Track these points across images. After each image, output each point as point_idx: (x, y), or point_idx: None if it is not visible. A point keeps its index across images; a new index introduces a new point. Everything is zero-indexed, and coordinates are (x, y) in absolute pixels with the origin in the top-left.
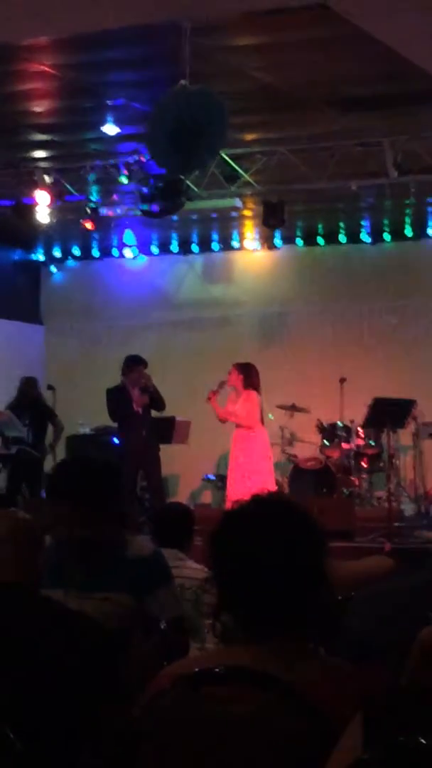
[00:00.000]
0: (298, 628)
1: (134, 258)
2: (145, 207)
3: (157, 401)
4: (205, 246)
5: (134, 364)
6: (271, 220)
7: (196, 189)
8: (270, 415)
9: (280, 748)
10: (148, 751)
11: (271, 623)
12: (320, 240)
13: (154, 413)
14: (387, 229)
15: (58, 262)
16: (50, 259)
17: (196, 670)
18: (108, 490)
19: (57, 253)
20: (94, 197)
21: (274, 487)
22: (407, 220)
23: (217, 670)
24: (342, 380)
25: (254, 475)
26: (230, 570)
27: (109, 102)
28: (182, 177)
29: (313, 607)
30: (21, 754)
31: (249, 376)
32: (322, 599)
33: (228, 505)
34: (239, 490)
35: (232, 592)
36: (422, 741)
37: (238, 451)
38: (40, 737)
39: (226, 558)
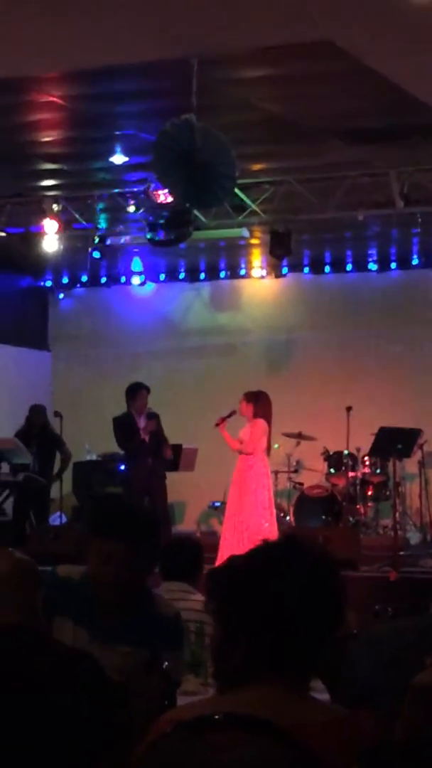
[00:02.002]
0: (299, 672)
1: (142, 285)
2: (152, 236)
3: (161, 445)
4: (212, 273)
5: (138, 390)
6: (278, 250)
7: (203, 219)
8: (275, 445)
9: None
10: None
11: (272, 668)
12: (327, 268)
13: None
14: (393, 258)
15: (66, 288)
16: (58, 285)
17: (196, 716)
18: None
19: (65, 279)
20: (101, 225)
21: (271, 516)
22: (414, 249)
23: (216, 716)
24: (348, 408)
25: (248, 501)
26: (233, 612)
27: (117, 132)
28: (193, 208)
29: (316, 651)
30: None
31: (259, 405)
32: (327, 640)
33: (223, 534)
34: (230, 521)
35: (233, 635)
36: None
37: (236, 480)
38: None
39: (227, 600)
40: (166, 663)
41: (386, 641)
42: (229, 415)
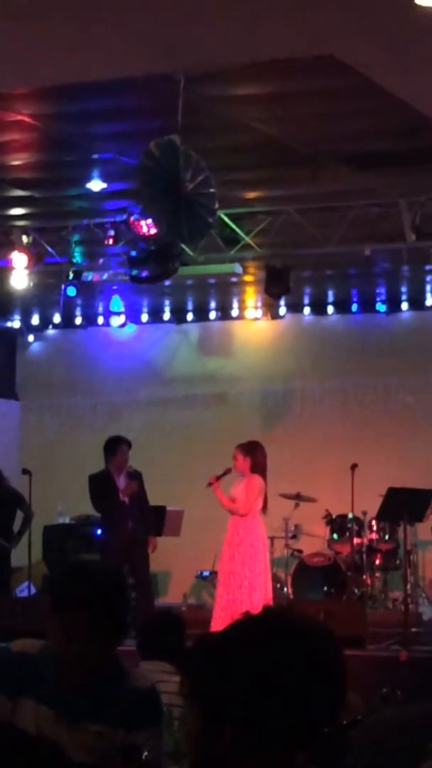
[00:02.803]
0: (296, 759)
1: (122, 327)
2: (134, 272)
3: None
4: (201, 314)
5: (117, 445)
6: (275, 288)
7: (191, 253)
8: None
9: None
10: None
11: (266, 754)
12: (330, 309)
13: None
14: (404, 297)
15: (37, 330)
16: (27, 327)
17: None
18: (121, 605)
19: (35, 320)
20: (77, 260)
21: (267, 586)
22: (427, 288)
23: None
24: (353, 467)
25: (251, 569)
26: (211, 697)
27: (94, 156)
28: (178, 242)
29: (313, 740)
30: None
31: (256, 458)
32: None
33: (216, 605)
34: (228, 588)
35: (213, 724)
36: None
37: (231, 542)
38: None
39: (204, 683)
40: (146, 753)
41: (390, 730)
42: (224, 474)
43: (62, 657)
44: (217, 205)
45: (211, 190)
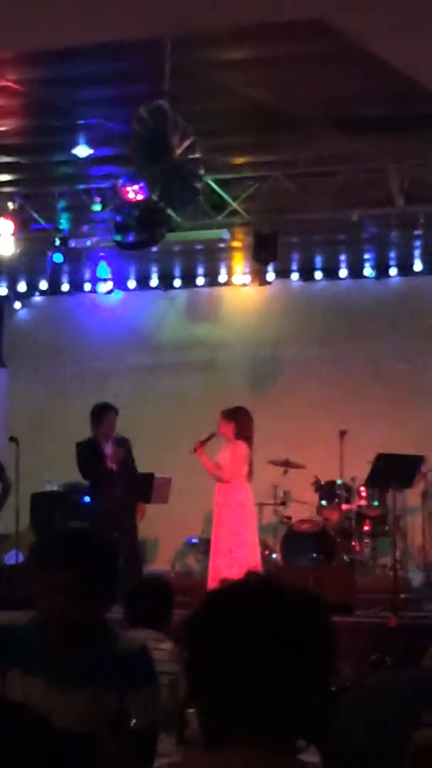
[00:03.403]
0: (285, 730)
1: (109, 293)
2: (120, 238)
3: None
4: (188, 280)
5: (103, 412)
6: (263, 254)
7: (178, 219)
8: None
9: None
10: None
11: (254, 726)
12: (318, 275)
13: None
14: (393, 263)
15: (24, 297)
16: (14, 294)
17: None
18: (110, 567)
19: (22, 287)
20: (63, 226)
21: (256, 553)
22: (416, 253)
23: None
24: (342, 433)
25: (237, 540)
26: (210, 661)
27: (81, 121)
28: (168, 208)
29: (303, 707)
30: None
31: (240, 424)
32: (314, 696)
33: (210, 575)
34: (219, 556)
35: (206, 691)
36: None
37: (219, 510)
38: None
39: (205, 646)
40: (134, 721)
41: (380, 697)
42: (208, 439)
43: (48, 614)
44: (203, 171)
45: (198, 155)
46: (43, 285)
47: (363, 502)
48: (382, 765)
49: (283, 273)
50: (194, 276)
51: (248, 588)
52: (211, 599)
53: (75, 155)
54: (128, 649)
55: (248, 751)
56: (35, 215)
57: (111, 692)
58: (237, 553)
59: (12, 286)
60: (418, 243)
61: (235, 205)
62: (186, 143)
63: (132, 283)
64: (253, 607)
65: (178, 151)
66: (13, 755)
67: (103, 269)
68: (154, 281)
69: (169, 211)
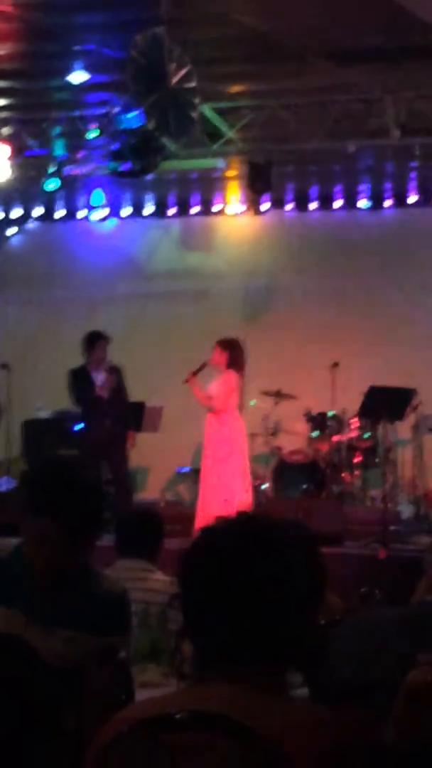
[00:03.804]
0: (274, 665)
1: (103, 220)
2: (116, 166)
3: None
4: (183, 209)
5: (95, 340)
6: (258, 184)
7: (173, 147)
8: (252, 402)
9: None
10: None
11: (244, 660)
12: (313, 205)
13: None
14: (388, 194)
15: (17, 223)
16: (7, 220)
17: (155, 714)
18: (95, 513)
19: (16, 213)
20: (58, 152)
21: (247, 483)
22: (411, 185)
23: (177, 715)
24: (334, 365)
25: (224, 468)
26: (201, 597)
27: (76, 47)
28: (164, 136)
29: (293, 641)
30: None
31: (233, 354)
32: (305, 628)
33: (199, 505)
34: (208, 486)
35: (201, 623)
36: None
37: (208, 440)
38: None
39: (196, 583)
40: (122, 653)
41: (369, 633)
42: (200, 369)
43: (33, 562)
44: (199, 101)
45: (193, 84)
46: (37, 211)
47: (354, 434)
48: (368, 701)
49: (277, 203)
50: (188, 205)
51: (238, 525)
52: (203, 536)
53: (70, 81)
54: (108, 594)
55: (233, 687)
56: (30, 141)
57: (89, 633)
58: (227, 483)
59: (6, 213)
60: (413, 175)
61: (230, 134)
62: (182, 72)
63: (126, 211)
64: (242, 543)
65: (174, 80)
66: (5, 688)
67: (98, 196)
68: (148, 209)
69: (165, 140)
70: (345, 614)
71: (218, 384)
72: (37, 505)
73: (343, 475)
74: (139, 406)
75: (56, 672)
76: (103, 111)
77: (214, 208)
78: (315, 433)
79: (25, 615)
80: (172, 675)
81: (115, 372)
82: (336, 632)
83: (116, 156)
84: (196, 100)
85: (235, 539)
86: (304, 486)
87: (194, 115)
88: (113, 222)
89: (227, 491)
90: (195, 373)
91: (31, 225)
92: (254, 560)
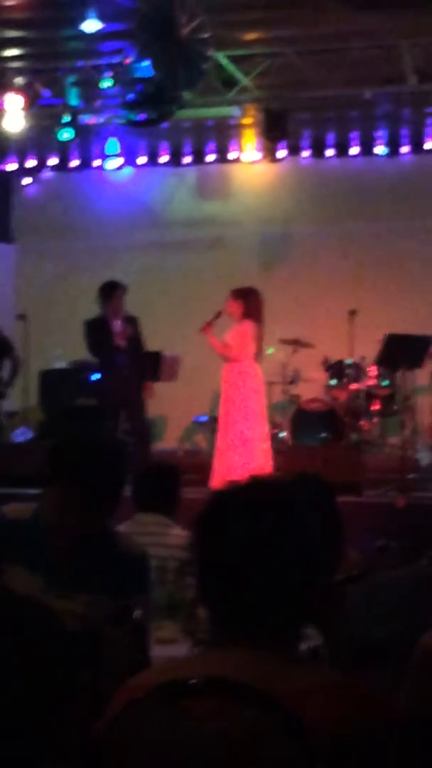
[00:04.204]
0: (290, 630)
1: (118, 169)
2: (130, 116)
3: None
4: (198, 157)
5: (112, 290)
6: (274, 132)
7: (189, 96)
8: (270, 350)
9: None
10: None
11: (259, 625)
12: (329, 152)
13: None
14: (405, 140)
15: (32, 173)
16: (23, 170)
17: (169, 680)
18: (118, 479)
19: (31, 163)
20: (73, 102)
21: (265, 432)
22: (428, 131)
23: (193, 681)
24: (352, 312)
25: (242, 417)
26: (214, 562)
27: None
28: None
29: (309, 603)
30: None
31: (249, 303)
32: (321, 588)
33: (216, 455)
34: (227, 435)
35: (215, 588)
36: None
37: (226, 390)
38: None
39: (209, 548)
40: (138, 612)
41: (383, 594)
42: (216, 317)
43: (55, 530)
44: (211, 52)
45: (206, 35)
46: (52, 161)
47: (372, 382)
48: (382, 660)
49: (294, 150)
50: (204, 153)
51: (251, 489)
52: (215, 501)
53: (83, 30)
54: (128, 555)
55: (249, 652)
56: (43, 91)
57: (109, 598)
58: (244, 432)
59: (21, 162)
60: (430, 120)
61: (246, 81)
62: (194, 23)
63: (142, 160)
64: (255, 508)
65: (185, 31)
66: (23, 650)
67: (113, 145)
68: (164, 158)
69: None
70: (362, 569)
71: (234, 334)
72: (62, 473)
73: (361, 423)
74: (157, 356)
75: (74, 635)
76: (117, 60)
77: (230, 156)
78: (333, 381)
79: (46, 579)
80: (190, 632)
81: (132, 322)
82: (352, 593)
83: (131, 105)
84: (209, 52)
85: (248, 504)
86: (323, 434)
87: (205, 66)
88: (128, 171)
89: (245, 441)
90: (210, 323)
91: (46, 174)
92: (267, 524)
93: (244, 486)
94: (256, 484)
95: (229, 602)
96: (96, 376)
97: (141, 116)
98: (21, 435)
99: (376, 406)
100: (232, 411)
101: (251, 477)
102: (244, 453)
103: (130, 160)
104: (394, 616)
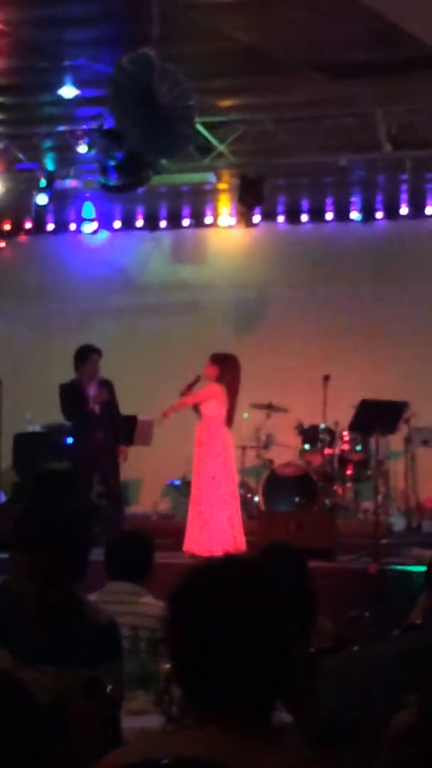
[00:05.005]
0: (263, 705)
1: (94, 233)
2: (106, 181)
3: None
4: (174, 222)
5: (87, 354)
6: (249, 198)
7: (165, 162)
8: (245, 414)
9: None
10: None
11: (232, 701)
12: (304, 217)
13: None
14: (379, 206)
15: (8, 236)
16: None
17: (140, 760)
18: (83, 545)
19: (6, 226)
20: (49, 166)
21: (235, 494)
22: (402, 197)
23: (165, 761)
24: (326, 378)
25: (213, 480)
26: (188, 641)
27: (67, 62)
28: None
29: (282, 679)
30: None
31: (225, 369)
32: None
33: (189, 520)
34: (199, 500)
35: (189, 666)
36: None
37: (198, 452)
38: None
39: (183, 627)
40: (110, 687)
41: (358, 671)
42: (195, 382)
43: (20, 595)
44: (194, 119)
45: (190, 102)
46: (28, 225)
47: (346, 447)
48: (354, 739)
49: (269, 215)
50: (180, 217)
51: (224, 568)
52: (189, 580)
53: (61, 96)
54: (96, 625)
55: (221, 730)
56: (20, 155)
57: (78, 667)
58: (214, 494)
59: None
60: (404, 187)
61: (221, 148)
62: (177, 90)
63: (117, 224)
64: (228, 588)
65: (168, 98)
66: None
67: (89, 209)
68: (139, 222)
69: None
70: (335, 640)
71: (203, 390)
72: (28, 540)
73: (335, 487)
74: (131, 420)
75: (44, 707)
76: (93, 125)
77: (206, 221)
78: (307, 446)
79: (14, 652)
80: (161, 704)
81: (106, 385)
82: (325, 668)
83: (107, 171)
84: (192, 118)
85: (221, 584)
86: (296, 499)
87: (190, 133)
88: (104, 235)
89: (220, 503)
90: (191, 387)
91: (21, 238)
92: (241, 605)
93: (217, 564)
94: (228, 561)
95: (203, 677)
96: (70, 440)
97: (117, 181)
98: None
99: (349, 471)
100: (198, 476)
101: (225, 554)
102: (209, 532)
103: (105, 225)
104: (368, 695)
